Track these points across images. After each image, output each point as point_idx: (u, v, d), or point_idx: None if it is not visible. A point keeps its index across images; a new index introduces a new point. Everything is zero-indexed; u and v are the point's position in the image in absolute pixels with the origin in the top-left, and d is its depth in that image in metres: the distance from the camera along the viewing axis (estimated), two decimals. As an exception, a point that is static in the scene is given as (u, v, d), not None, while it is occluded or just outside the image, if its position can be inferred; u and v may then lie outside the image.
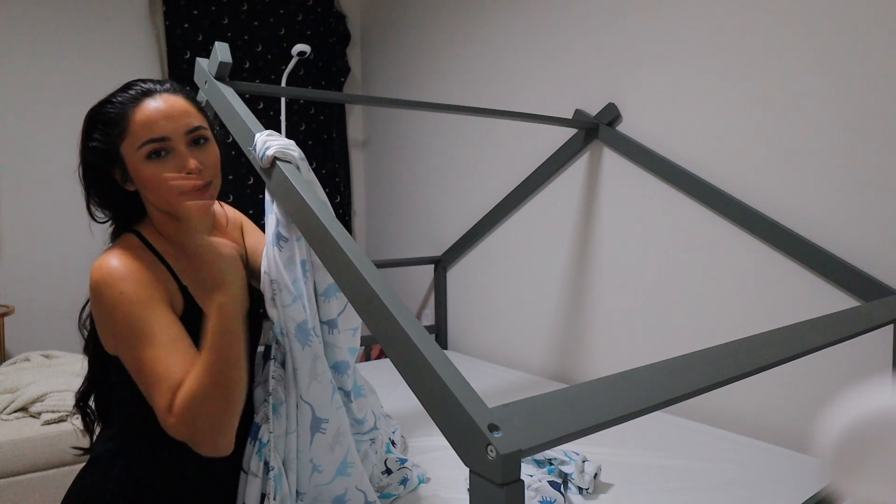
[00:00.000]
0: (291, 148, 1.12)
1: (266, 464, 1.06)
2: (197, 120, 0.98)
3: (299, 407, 1.10)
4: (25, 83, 2.68)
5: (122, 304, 0.87)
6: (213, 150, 1.00)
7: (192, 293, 0.97)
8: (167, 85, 0.99)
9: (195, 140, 0.97)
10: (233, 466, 1.08)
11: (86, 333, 1.01)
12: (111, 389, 1.03)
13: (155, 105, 0.95)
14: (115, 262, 0.90)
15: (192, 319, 0.93)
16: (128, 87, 0.97)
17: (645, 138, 2.05)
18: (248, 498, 1.04)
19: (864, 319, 1.20)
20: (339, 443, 1.14)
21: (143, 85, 0.97)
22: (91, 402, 1.07)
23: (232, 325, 0.85)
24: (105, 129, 0.95)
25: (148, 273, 0.92)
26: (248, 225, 1.24)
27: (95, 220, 1.02)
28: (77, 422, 1.90)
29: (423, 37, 3.07)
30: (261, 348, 1.17)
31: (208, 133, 1.00)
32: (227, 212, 1.21)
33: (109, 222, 1.04)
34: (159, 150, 0.94)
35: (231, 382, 0.83)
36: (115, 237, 1.02)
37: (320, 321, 1.15)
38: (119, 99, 0.96)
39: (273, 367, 1.10)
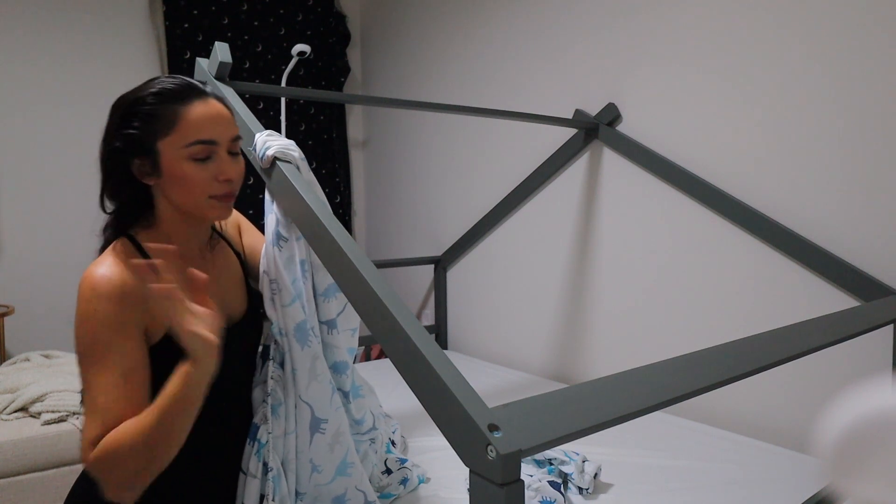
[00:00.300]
0: (291, 148, 1.12)
1: (265, 464, 1.05)
2: (236, 130, 1.00)
3: (298, 407, 1.10)
4: (25, 83, 2.68)
5: (91, 321, 0.86)
6: (242, 162, 1.02)
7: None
8: (209, 88, 1.00)
9: (234, 149, 0.99)
10: (233, 467, 1.08)
11: None
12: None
13: (206, 108, 0.96)
14: (102, 277, 0.88)
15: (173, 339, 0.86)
16: (162, 80, 0.96)
17: (645, 138, 2.05)
18: (247, 499, 1.04)
19: (864, 319, 1.20)
20: (338, 443, 1.14)
21: (184, 80, 0.97)
22: None
23: (191, 394, 0.79)
24: (147, 119, 0.93)
25: (132, 292, 0.88)
26: (246, 224, 1.24)
27: (104, 211, 1.01)
28: (80, 421, 1.92)
29: (423, 37, 3.07)
30: (260, 348, 1.17)
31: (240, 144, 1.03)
32: None
33: (113, 215, 1.02)
34: (206, 151, 0.95)
35: (164, 450, 0.78)
36: (109, 240, 1.00)
37: (319, 321, 1.15)
38: (165, 93, 0.94)
39: (272, 367, 1.10)
